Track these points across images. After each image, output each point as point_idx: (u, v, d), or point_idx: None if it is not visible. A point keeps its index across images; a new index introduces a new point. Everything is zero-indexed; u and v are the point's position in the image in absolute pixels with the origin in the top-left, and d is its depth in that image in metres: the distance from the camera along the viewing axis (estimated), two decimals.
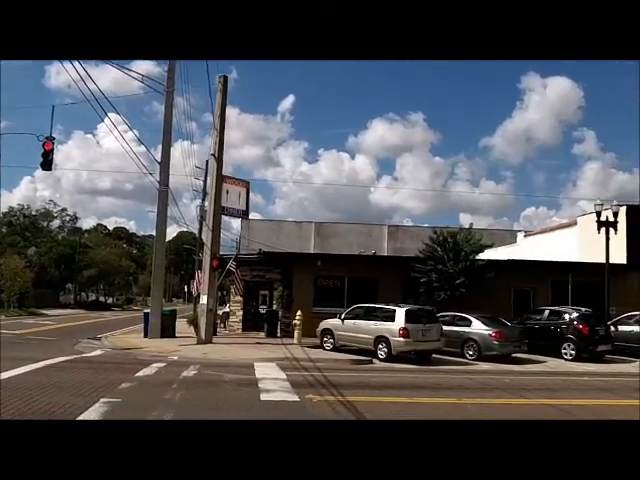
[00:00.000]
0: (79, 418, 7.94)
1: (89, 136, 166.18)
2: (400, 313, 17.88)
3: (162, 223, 23.62)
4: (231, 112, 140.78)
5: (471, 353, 18.98)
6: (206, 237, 23.20)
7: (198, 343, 20.52)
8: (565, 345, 19.87)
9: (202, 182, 38.03)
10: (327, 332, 19.79)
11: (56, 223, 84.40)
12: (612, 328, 21.06)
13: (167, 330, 22.66)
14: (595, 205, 24.41)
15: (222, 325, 28.62)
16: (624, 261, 26.28)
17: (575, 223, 31.43)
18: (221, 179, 22.61)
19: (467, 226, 26.48)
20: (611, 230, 23.62)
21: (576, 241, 29.21)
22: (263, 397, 10.62)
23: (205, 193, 34.63)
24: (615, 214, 24.03)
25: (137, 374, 13.01)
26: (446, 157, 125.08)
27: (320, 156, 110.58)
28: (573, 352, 19.62)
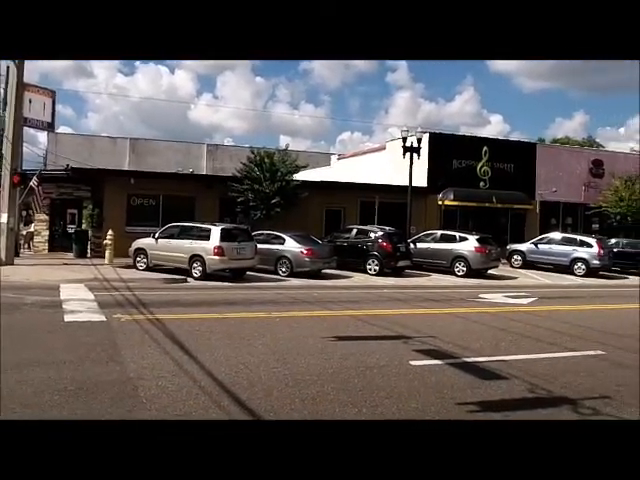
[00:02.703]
0: None
1: None
2: (215, 232, 17.96)
3: None
4: None
5: (284, 270, 19.70)
6: (6, 151, 21.21)
7: None
8: (370, 261, 21.33)
9: (2, 90, 34.45)
10: (140, 251, 19.36)
11: None
12: (412, 245, 22.91)
13: None
14: (401, 131, 25.90)
15: (26, 246, 26.77)
16: (425, 184, 28.43)
17: (384, 148, 33.14)
18: (22, 87, 20.61)
19: (284, 147, 26.80)
20: (415, 155, 25.29)
21: (385, 164, 30.89)
22: (67, 318, 10.29)
23: (5, 103, 31.43)
24: (419, 140, 25.68)
25: None
26: (267, 78, 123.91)
27: (137, 69, 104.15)
28: (377, 267, 21.13)
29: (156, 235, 19.18)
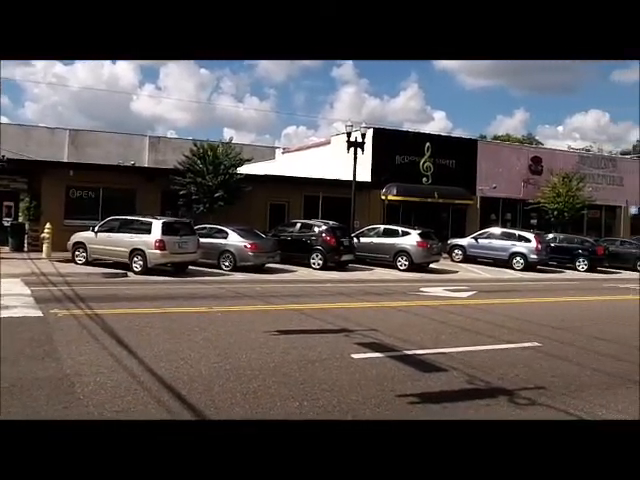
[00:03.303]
0: None
1: None
2: (156, 225, 17.68)
3: None
4: None
5: (227, 264, 19.55)
6: None
7: None
8: (314, 255, 21.39)
9: None
10: (79, 245, 18.87)
11: None
12: (355, 240, 23.09)
13: None
14: (346, 126, 25.94)
15: None
16: (369, 179, 28.66)
17: (329, 142, 33.20)
18: None
19: (228, 140, 26.52)
20: (359, 150, 25.43)
21: (329, 159, 30.95)
22: (2, 314, 9.93)
23: None
24: (363, 135, 25.79)
25: None
26: (211, 70, 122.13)
27: None
28: (320, 262, 21.21)
29: (96, 229, 18.72)
